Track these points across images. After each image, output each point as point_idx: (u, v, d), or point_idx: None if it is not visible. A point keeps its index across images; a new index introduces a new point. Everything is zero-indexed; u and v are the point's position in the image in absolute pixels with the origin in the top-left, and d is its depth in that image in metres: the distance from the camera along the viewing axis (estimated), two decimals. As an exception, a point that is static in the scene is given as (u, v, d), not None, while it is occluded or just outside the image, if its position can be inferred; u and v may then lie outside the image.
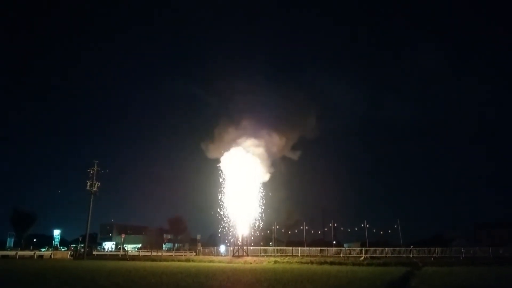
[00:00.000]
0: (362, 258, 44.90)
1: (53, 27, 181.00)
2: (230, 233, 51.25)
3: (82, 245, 59.17)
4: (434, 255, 49.56)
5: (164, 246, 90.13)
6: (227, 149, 53.54)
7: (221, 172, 52.75)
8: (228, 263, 37.84)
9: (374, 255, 51.20)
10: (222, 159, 53.20)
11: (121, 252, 65.73)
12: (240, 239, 50.88)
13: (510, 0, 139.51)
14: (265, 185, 52.81)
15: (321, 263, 35.30)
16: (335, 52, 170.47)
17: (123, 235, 74.46)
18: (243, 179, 51.33)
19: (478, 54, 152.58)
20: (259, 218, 51.69)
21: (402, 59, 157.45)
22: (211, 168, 55.89)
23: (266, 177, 53.24)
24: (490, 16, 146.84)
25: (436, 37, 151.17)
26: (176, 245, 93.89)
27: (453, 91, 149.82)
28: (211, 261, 41.08)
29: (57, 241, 78.12)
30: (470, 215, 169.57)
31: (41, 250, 61.70)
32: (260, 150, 53.38)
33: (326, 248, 59.12)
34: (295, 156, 60.02)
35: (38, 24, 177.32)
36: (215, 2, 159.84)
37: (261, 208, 51.78)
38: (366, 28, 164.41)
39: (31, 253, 54.35)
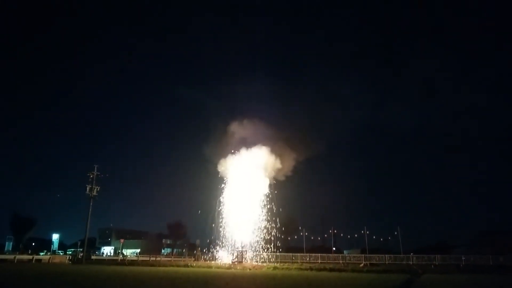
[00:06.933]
0: (362, 264, 44.68)
1: (53, 30, 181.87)
2: (230, 239, 51.04)
3: (81, 249, 58.86)
4: (434, 262, 49.30)
5: (163, 251, 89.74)
6: (228, 154, 53.53)
7: (222, 177, 52.71)
8: (227, 269, 37.61)
9: (374, 262, 50.91)
10: (223, 164, 53.15)
11: (119, 257, 65.35)
12: (239, 245, 50.66)
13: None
14: (266, 190, 52.57)
15: (320, 270, 35.10)
16: (340, 58, 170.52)
17: (122, 240, 74.11)
18: (244, 184, 51.18)
19: (481, 64, 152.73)
20: (259, 224, 51.48)
21: (406, 67, 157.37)
22: (212, 173, 55.80)
23: (266, 183, 53.02)
24: (495, 28, 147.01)
25: (440, 46, 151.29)
26: (175, 250, 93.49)
27: (456, 99, 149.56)
28: (210, 267, 40.85)
29: (55, 245, 77.88)
30: (474, 222, 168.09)
31: (39, 254, 61.39)
32: (262, 155, 53.23)
33: (325, 254, 58.72)
34: (297, 161, 59.79)
35: (40, 29, 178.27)
36: (218, 4, 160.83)
37: (261, 214, 51.58)
38: (371, 34, 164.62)
39: (30, 257, 53.99)
